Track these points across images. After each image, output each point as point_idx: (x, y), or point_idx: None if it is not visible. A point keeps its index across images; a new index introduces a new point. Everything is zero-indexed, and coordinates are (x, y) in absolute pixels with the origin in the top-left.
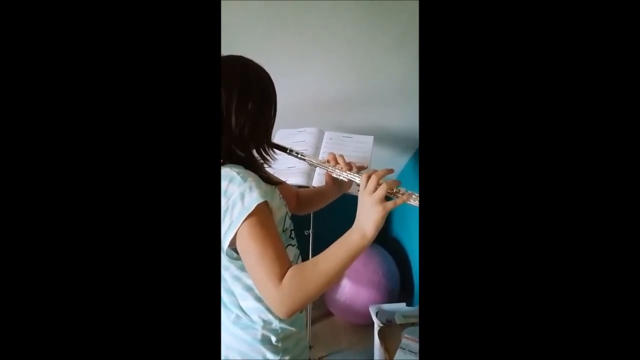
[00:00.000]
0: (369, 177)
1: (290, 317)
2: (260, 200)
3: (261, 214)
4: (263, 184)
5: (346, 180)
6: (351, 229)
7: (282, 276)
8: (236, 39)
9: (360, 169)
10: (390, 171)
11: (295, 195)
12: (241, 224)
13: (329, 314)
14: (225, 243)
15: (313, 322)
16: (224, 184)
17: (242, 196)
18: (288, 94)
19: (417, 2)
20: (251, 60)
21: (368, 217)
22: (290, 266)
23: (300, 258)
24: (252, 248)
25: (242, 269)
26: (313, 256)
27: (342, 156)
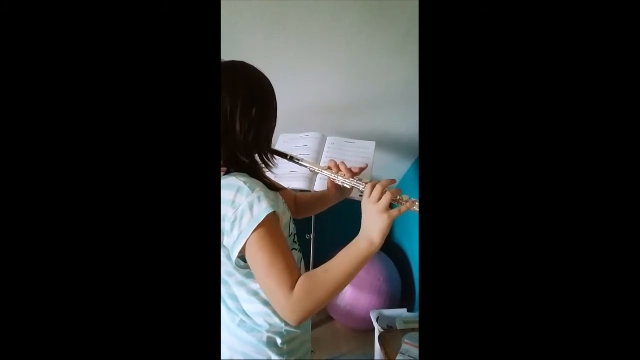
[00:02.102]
0: (373, 187)
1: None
2: (270, 211)
3: (270, 224)
4: (270, 193)
5: (349, 187)
6: (358, 237)
7: (292, 285)
8: (236, 43)
9: (361, 170)
10: (393, 181)
11: (294, 200)
12: (250, 235)
13: (329, 318)
14: (234, 253)
15: (314, 326)
16: (231, 194)
17: (251, 206)
18: (290, 99)
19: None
20: (252, 66)
21: (374, 225)
22: (300, 274)
23: (303, 261)
24: (261, 258)
25: (248, 275)
26: (314, 260)
27: (343, 163)
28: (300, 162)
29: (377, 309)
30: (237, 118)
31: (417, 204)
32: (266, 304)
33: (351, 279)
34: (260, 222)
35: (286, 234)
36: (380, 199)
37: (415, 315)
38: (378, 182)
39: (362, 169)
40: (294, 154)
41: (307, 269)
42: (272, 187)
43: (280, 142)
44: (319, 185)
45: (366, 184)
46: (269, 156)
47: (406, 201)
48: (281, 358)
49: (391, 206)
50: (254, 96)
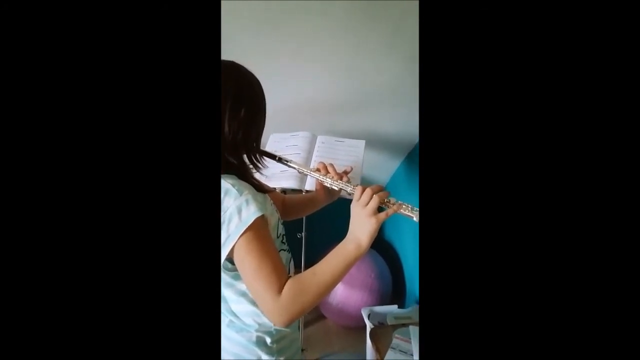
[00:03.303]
0: (363, 190)
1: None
2: (258, 214)
3: (258, 228)
4: (258, 195)
5: (337, 189)
6: (346, 240)
7: (280, 288)
8: (226, 42)
9: (347, 173)
10: (382, 187)
11: (282, 202)
12: (238, 238)
13: (321, 316)
14: (222, 256)
15: (305, 324)
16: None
17: (239, 210)
18: (281, 98)
19: (408, 4)
20: (242, 66)
21: (363, 228)
22: (288, 277)
23: (292, 262)
24: (249, 262)
25: (235, 277)
26: (305, 258)
27: (332, 165)
28: (288, 164)
29: (369, 305)
30: (226, 118)
31: (404, 206)
32: (255, 303)
33: (339, 281)
34: (248, 225)
35: (274, 235)
36: (368, 202)
37: (405, 311)
38: (367, 186)
39: (347, 172)
40: (283, 154)
41: (298, 267)
42: (261, 188)
43: (270, 141)
44: (310, 184)
45: (354, 186)
46: (258, 157)
47: (393, 204)
48: (271, 357)
49: (379, 209)
50: (243, 96)
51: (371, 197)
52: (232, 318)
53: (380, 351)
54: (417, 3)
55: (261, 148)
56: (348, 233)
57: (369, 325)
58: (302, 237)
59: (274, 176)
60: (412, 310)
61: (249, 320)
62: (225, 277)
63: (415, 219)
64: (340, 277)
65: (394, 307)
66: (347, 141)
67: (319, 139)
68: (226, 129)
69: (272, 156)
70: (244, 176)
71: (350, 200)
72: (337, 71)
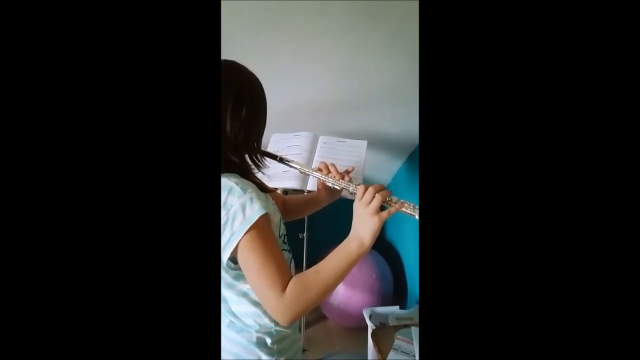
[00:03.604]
0: (365, 189)
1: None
2: (262, 212)
3: (262, 226)
4: (261, 194)
5: (339, 188)
6: (348, 238)
7: (284, 286)
8: (227, 42)
9: (348, 172)
10: (384, 187)
11: (282, 202)
12: (242, 236)
13: (322, 317)
14: (225, 255)
15: (307, 325)
16: (223, 195)
17: (243, 208)
18: (282, 98)
19: (408, 4)
20: (243, 66)
21: (365, 227)
22: (291, 275)
23: (293, 262)
24: (253, 260)
25: (237, 277)
26: (307, 259)
27: (333, 165)
28: (289, 164)
29: (370, 306)
30: (228, 118)
31: (406, 205)
32: (255, 304)
33: (342, 279)
34: (252, 223)
35: (276, 235)
36: (371, 201)
37: (407, 312)
38: (369, 185)
39: (348, 171)
40: (284, 154)
41: (300, 268)
42: (262, 188)
43: (272, 141)
44: (312, 185)
45: (356, 185)
46: (259, 157)
47: (395, 202)
48: (271, 358)
49: (381, 208)
50: (244, 96)
51: (373, 196)
52: (233, 319)
53: (382, 352)
54: (417, 3)
55: (263, 148)
56: (351, 231)
57: (370, 326)
58: (303, 237)
59: (276, 176)
60: (413, 311)
61: (249, 321)
62: (226, 277)
63: (417, 217)
64: (343, 275)
65: (395, 308)
66: (349, 141)
67: (321, 139)
68: (227, 128)
69: (274, 156)
70: (246, 175)
71: (351, 201)
72: (337, 71)
